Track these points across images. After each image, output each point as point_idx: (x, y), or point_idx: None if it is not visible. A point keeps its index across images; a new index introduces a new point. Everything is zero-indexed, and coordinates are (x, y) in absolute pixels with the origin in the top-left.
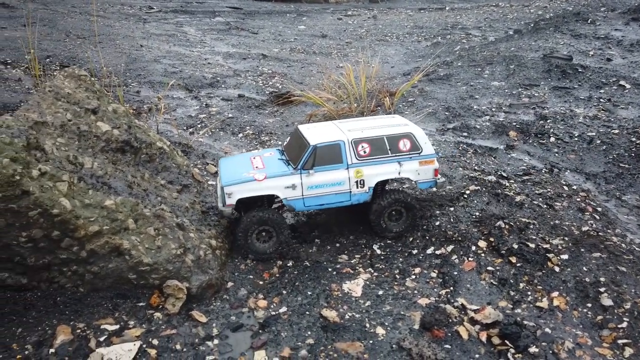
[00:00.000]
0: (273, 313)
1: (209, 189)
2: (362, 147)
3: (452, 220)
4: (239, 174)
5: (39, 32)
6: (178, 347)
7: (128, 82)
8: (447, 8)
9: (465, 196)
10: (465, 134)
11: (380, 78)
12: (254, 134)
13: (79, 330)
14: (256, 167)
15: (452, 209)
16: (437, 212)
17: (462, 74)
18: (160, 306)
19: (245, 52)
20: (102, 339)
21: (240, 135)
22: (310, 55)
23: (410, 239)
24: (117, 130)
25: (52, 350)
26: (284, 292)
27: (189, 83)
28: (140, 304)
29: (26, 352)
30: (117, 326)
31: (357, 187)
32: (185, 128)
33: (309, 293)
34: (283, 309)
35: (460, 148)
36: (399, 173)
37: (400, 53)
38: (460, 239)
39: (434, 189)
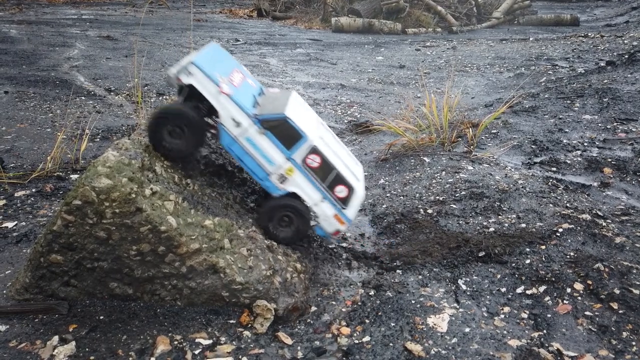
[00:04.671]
0: (356, 341)
1: None
2: (313, 158)
3: (543, 259)
4: (214, 69)
5: (138, 62)
6: None
7: None
8: (530, 39)
9: (558, 234)
10: (554, 168)
11: (461, 109)
12: None
13: (176, 342)
14: (230, 80)
15: (543, 247)
16: (527, 249)
17: (549, 107)
18: (249, 325)
19: (325, 82)
20: (196, 352)
21: None
22: (387, 86)
23: (498, 276)
24: (214, 155)
25: (152, 359)
26: (367, 321)
27: None
28: (231, 321)
29: (130, 359)
30: (210, 341)
31: (277, 179)
32: None
33: (392, 324)
34: (366, 338)
35: (549, 183)
36: (315, 205)
37: (481, 84)
38: (553, 279)
39: (523, 225)
